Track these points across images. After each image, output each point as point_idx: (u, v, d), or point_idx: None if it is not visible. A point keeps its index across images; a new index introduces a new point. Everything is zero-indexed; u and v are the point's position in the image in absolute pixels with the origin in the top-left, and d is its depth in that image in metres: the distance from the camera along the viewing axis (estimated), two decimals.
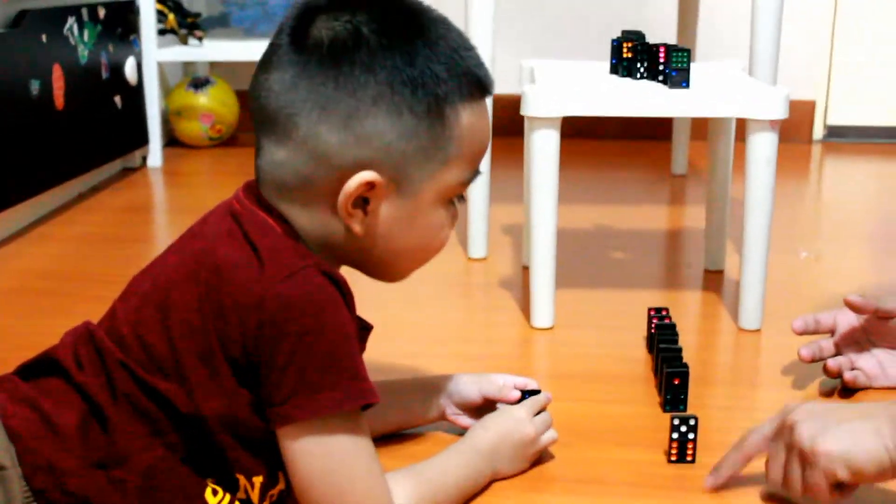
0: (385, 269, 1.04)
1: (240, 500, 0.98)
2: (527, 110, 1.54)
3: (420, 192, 0.98)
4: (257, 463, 0.97)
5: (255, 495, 0.99)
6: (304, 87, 0.94)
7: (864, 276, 1.98)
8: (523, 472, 1.17)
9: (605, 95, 1.56)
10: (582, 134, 3.01)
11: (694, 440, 1.20)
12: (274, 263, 0.93)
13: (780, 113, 1.54)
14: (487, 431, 1.15)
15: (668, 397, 1.33)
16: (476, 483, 1.11)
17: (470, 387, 1.24)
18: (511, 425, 1.16)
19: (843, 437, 1.01)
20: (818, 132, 3.17)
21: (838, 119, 3.17)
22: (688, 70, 1.55)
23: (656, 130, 2.95)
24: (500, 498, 1.13)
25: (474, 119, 0.99)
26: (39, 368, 0.99)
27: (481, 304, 1.83)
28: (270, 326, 0.91)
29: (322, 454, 0.93)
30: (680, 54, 1.55)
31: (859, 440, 1.00)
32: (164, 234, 2.37)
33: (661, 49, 1.58)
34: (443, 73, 0.96)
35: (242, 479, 0.97)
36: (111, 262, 1.99)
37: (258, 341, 0.91)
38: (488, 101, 1.04)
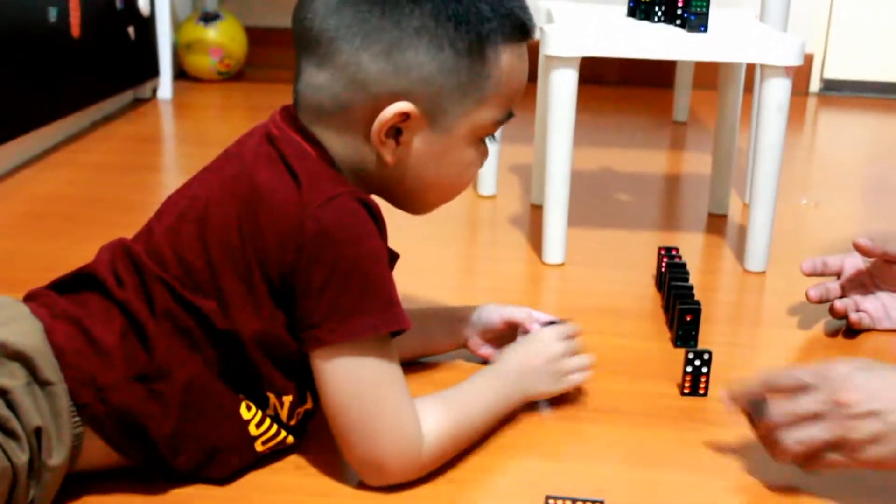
0: (412, 201, 1.04)
1: (270, 417, 0.99)
2: (546, 49, 1.54)
3: (453, 128, 0.98)
4: (288, 382, 0.98)
5: (283, 413, 1.00)
6: (349, 12, 0.94)
7: (861, 223, 1.98)
8: (556, 393, 1.16)
9: (626, 36, 1.56)
10: (582, 79, 2.99)
11: (707, 374, 1.21)
12: (312, 188, 0.93)
13: (797, 59, 1.54)
14: (515, 354, 1.14)
15: (680, 332, 1.34)
16: (506, 405, 1.10)
17: (493, 314, 1.24)
18: (538, 345, 1.15)
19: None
20: (815, 85, 3.17)
21: (835, 73, 3.16)
22: (707, 14, 1.55)
23: (657, 78, 2.94)
24: (512, 423, 1.13)
25: (514, 61, 0.99)
26: (77, 283, 0.99)
27: (492, 241, 1.83)
28: (308, 250, 0.91)
29: (353, 377, 0.94)
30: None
31: None
32: (173, 163, 2.36)
33: None
34: (487, 11, 0.95)
35: (272, 397, 0.98)
36: (123, 189, 1.99)
37: (296, 264, 0.92)
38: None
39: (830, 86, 3.17)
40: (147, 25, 2.71)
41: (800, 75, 3.10)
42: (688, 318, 1.34)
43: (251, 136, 1.02)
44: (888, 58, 3.13)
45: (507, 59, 0.98)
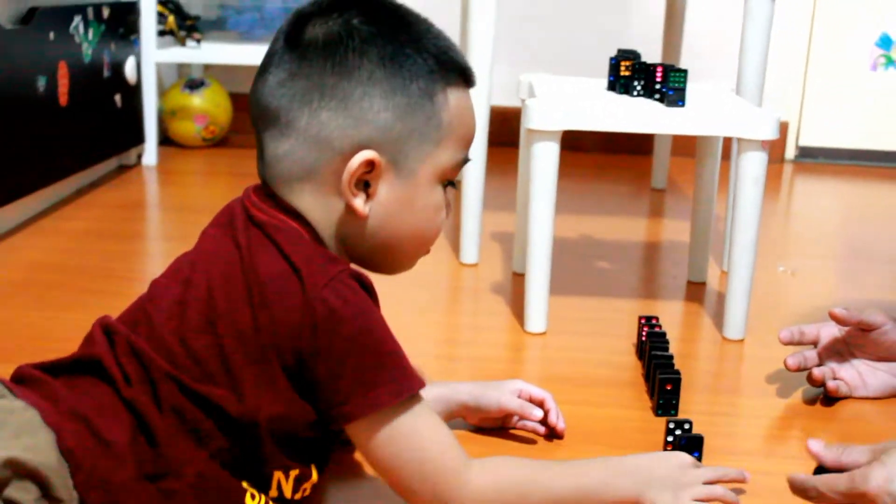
0: (390, 256, 1.05)
1: (273, 500, 1.00)
2: (529, 123, 1.57)
3: (417, 172, 1.00)
4: (295, 459, 0.99)
5: (288, 488, 1.00)
6: (302, 78, 0.97)
7: (837, 290, 2.01)
8: None
9: (606, 111, 1.59)
10: (563, 147, 3.01)
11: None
12: (311, 273, 0.95)
13: (772, 133, 1.57)
14: (646, 455, 1.12)
15: (661, 402, 1.36)
16: (607, 494, 1.05)
17: (491, 401, 1.27)
18: (674, 458, 1.10)
19: None
20: (790, 152, 3.22)
21: (809, 141, 3.21)
22: (684, 90, 1.58)
23: (636, 145, 2.98)
24: None
25: (461, 104, 1.02)
26: (76, 368, 0.98)
27: (474, 309, 1.85)
28: (322, 332, 0.93)
29: (391, 440, 0.96)
30: (678, 74, 1.58)
31: None
32: (157, 230, 2.37)
33: (659, 69, 1.61)
34: (430, 59, 0.99)
35: (278, 474, 0.99)
36: (109, 257, 2.00)
37: (312, 347, 0.94)
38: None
39: (805, 153, 3.22)
40: (133, 93, 2.74)
41: (776, 143, 3.13)
42: (668, 388, 1.35)
43: (234, 217, 1.02)
44: (860, 126, 3.19)
45: (455, 103, 1.01)
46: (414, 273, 1.85)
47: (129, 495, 0.92)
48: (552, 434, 1.30)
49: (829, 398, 1.45)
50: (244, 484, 0.97)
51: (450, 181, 1.05)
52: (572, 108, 1.57)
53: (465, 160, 1.05)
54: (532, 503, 1.02)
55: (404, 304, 1.75)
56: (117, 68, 2.62)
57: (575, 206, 2.53)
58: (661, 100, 1.61)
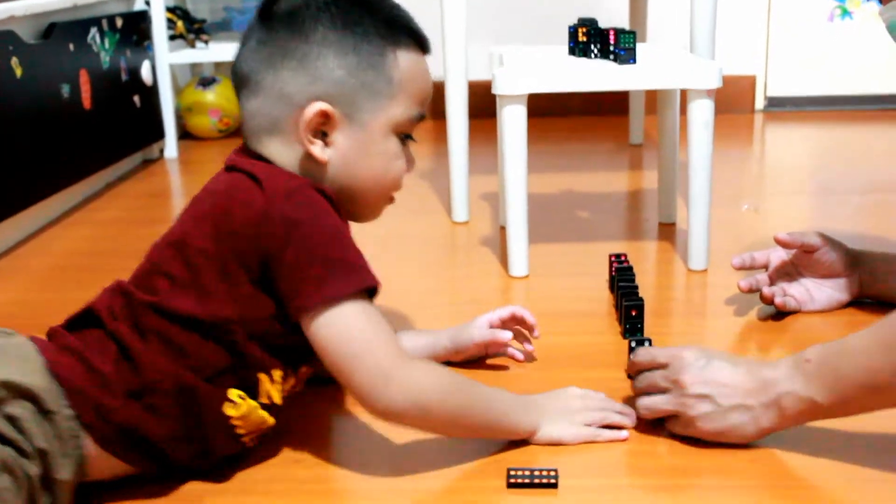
0: (353, 201, 1.10)
1: (262, 405, 1.06)
2: (497, 89, 1.64)
3: (370, 123, 1.08)
4: (275, 360, 1.05)
5: (276, 390, 1.07)
6: (269, 45, 1.07)
7: (797, 223, 2.06)
8: (573, 441, 1.14)
9: (564, 73, 1.67)
10: (552, 112, 3.13)
11: None
12: (272, 184, 1.02)
13: (715, 82, 1.64)
14: (544, 394, 1.19)
15: (627, 326, 1.43)
16: (510, 423, 1.12)
17: (464, 339, 1.34)
18: (565, 392, 1.20)
19: (720, 423, 1.10)
20: (759, 103, 3.27)
21: (777, 91, 3.26)
22: (634, 49, 1.66)
23: (615, 107, 3.04)
24: None
25: (413, 65, 1.10)
26: (82, 321, 1.08)
27: (466, 261, 1.92)
28: (278, 236, 0.99)
29: (333, 332, 1.00)
30: (627, 36, 1.65)
31: (735, 427, 1.09)
32: None
33: (611, 32, 1.69)
34: (381, 24, 1.08)
35: (263, 377, 1.05)
36: (136, 241, 1.98)
37: (269, 250, 1.00)
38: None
39: (774, 102, 3.28)
40: (151, 93, 2.83)
41: (745, 95, 3.23)
42: (633, 313, 1.43)
43: (212, 178, 1.12)
44: (823, 73, 3.24)
45: (408, 63, 1.09)
46: (411, 233, 2.04)
47: (119, 413, 1.01)
48: (530, 357, 1.38)
49: (780, 314, 1.52)
50: (230, 392, 1.04)
51: (406, 134, 1.12)
52: (535, 73, 1.65)
53: (420, 116, 1.12)
54: (449, 409, 1.06)
55: (403, 261, 1.85)
56: (134, 72, 2.71)
57: (559, 165, 2.60)
58: (615, 60, 1.69)
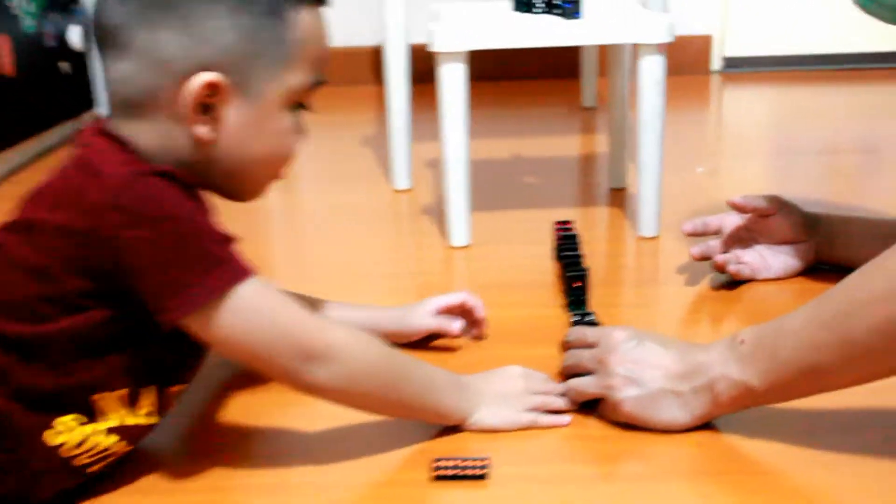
0: (238, 182, 0.96)
1: (111, 429, 0.93)
2: (434, 46, 1.54)
3: (265, 95, 0.92)
4: (119, 379, 0.91)
5: (129, 412, 0.93)
6: None
7: (754, 186, 1.97)
8: (511, 427, 1.05)
9: (506, 28, 1.56)
10: (504, 76, 3.03)
11: None
12: (108, 175, 0.85)
13: (666, 36, 1.55)
14: (482, 375, 1.10)
15: (571, 299, 1.35)
16: (445, 406, 1.03)
17: (410, 326, 1.24)
18: (505, 372, 1.11)
19: (649, 408, 1.01)
20: (716, 64, 3.18)
21: (734, 51, 3.18)
22: (579, 2, 1.56)
23: (570, 69, 2.94)
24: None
25: (313, 23, 0.94)
26: None
27: (406, 230, 1.83)
28: (120, 240, 0.84)
29: (231, 328, 0.88)
30: None
31: (664, 412, 1.01)
32: None
33: None
34: None
35: (104, 398, 0.91)
36: None
37: (108, 256, 0.85)
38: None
39: (731, 63, 3.19)
40: (81, 60, 2.69)
41: (702, 55, 3.14)
42: (575, 285, 1.34)
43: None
44: (779, 34, 3.16)
45: (306, 22, 0.93)
46: (350, 202, 1.94)
47: None
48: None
49: (734, 282, 1.44)
50: (57, 419, 0.89)
51: (301, 104, 0.97)
52: (474, 29, 1.55)
53: (319, 82, 0.97)
54: (377, 383, 0.96)
55: (341, 231, 1.76)
56: (62, 37, 2.58)
57: (508, 130, 2.51)
58: (561, 14, 1.59)
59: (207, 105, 0.90)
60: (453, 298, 1.26)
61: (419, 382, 1.01)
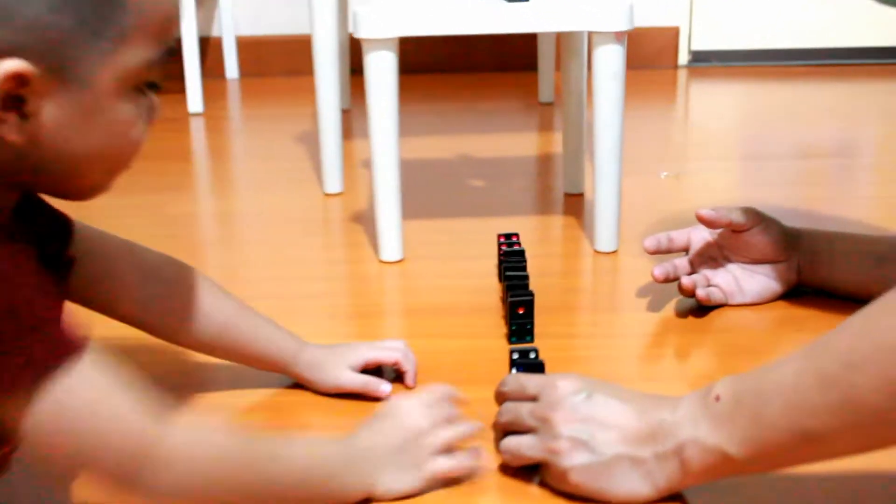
0: (69, 183, 0.76)
1: None
2: (358, 31, 1.34)
3: (93, 81, 0.70)
4: None
5: None
6: None
7: (726, 193, 1.81)
8: (415, 492, 0.86)
9: (441, 13, 1.36)
10: (455, 69, 2.85)
11: None
12: None
13: (624, 24, 1.35)
14: (368, 429, 0.89)
15: (514, 328, 1.16)
16: (327, 481, 0.83)
17: (326, 380, 1.05)
18: (393, 421, 0.88)
19: (602, 478, 0.82)
20: (683, 58, 3.01)
21: (701, 45, 3.00)
22: None
23: (527, 61, 2.76)
24: None
25: None
26: None
27: (332, 241, 1.64)
28: None
29: (48, 426, 0.69)
30: None
31: (622, 484, 0.82)
32: None
33: None
34: None
35: None
36: None
37: None
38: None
39: (698, 57, 3.01)
40: None
41: (668, 49, 2.97)
42: (520, 311, 1.15)
43: None
44: (751, 26, 2.99)
45: None
46: (273, 206, 1.75)
47: None
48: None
49: (703, 308, 1.26)
50: None
51: (150, 83, 0.76)
52: (405, 12, 1.34)
53: (165, 54, 0.75)
54: (238, 487, 0.77)
55: (259, 240, 1.59)
56: None
57: (456, 127, 2.33)
58: None
59: (16, 98, 0.68)
60: (386, 356, 1.07)
61: (295, 469, 0.80)
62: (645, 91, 2.64)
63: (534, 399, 0.87)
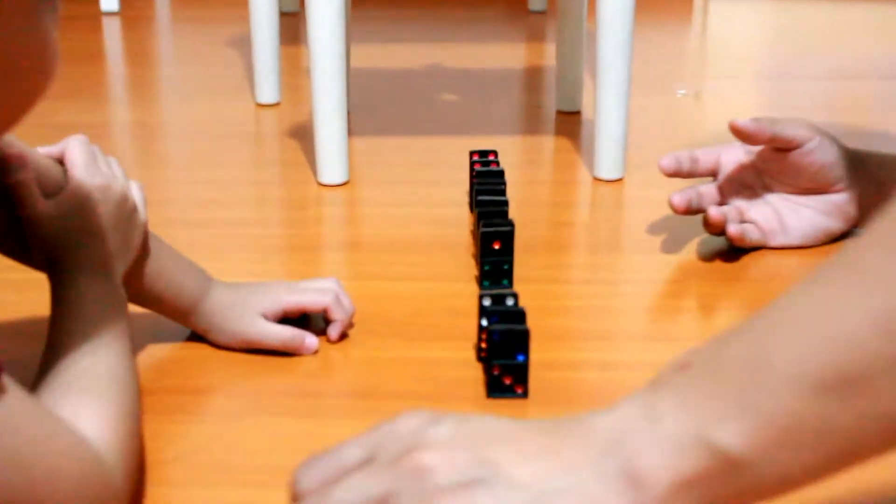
0: None
1: None
2: None
3: None
4: None
5: None
6: None
7: (751, 112, 1.65)
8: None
9: None
10: None
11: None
12: None
13: None
14: None
15: (487, 268, 0.99)
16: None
17: (234, 334, 0.89)
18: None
19: None
20: None
21: None
22: None
23: None
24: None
25: None
26: None
27: (265, 158, 1.49)
28: None
29: None
30: None
31: None
32: None
33: None
34: None
35: None
36: None
37: None
38: None
39: None
40: None
41: None
42: (495, 246, 0.98)
43: None
44: None
45: None
46: (194, 117, 1.63)
47: None
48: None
49: (735, 250, 1.11)
50: None
51: None
52: None
53: None
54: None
55: (179, 157, 1.48)
56: None
57: (430, 35, 2.22)
58: None
59: None
60: (312, 300, 0.90)
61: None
62: (655, 2, 2.50)
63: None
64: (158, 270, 0.86)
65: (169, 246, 0.88)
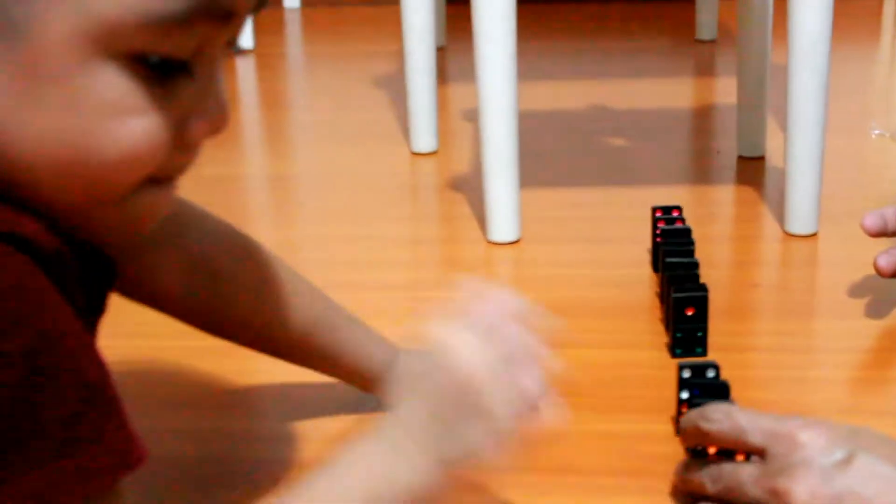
0: (28, 194, 0.59)
1: None
2: None
3: (30, 31, 0.55)
4: None
5: None
6: None
7: None
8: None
9: None
10: None
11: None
12: None
13: None
14: (415, 392, 0.76)
15: (678, 335, 1.09)
16: (413, 486, 0.71)
17: None
18: (451, 373, 0.74)
19: None
20: None
21: None
22: None
23: None
24: None
25: None
26: None
27: (425, 214, 1.64)
28: None
29: None
30: None
31: None
32: None
33: None
34: None
35: None
36: None
37: None
38: None
39: None
40: None
41: None
42: (688, 313, 1.08)
43: None
44: None
45: None
46: (342, 168, 1.77)
47: None
48: None
49: None
50: None
51: (173, 62, 0.57)
52: None
53: (199, 12, 0.56)
54: None
55: (324, 213, 1.59)
56: None
57: (590, 70, 2.36)
58: None
59: None
60: None
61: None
62: (840, 25, 2.57)
63: (757, 452, 0.77)
64: (357, 340, 0.97)
65: (354, 316, 0.98)
